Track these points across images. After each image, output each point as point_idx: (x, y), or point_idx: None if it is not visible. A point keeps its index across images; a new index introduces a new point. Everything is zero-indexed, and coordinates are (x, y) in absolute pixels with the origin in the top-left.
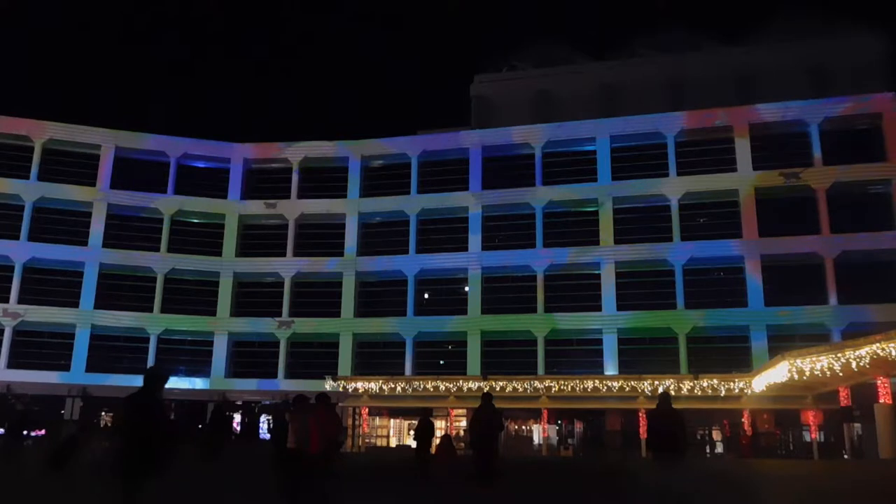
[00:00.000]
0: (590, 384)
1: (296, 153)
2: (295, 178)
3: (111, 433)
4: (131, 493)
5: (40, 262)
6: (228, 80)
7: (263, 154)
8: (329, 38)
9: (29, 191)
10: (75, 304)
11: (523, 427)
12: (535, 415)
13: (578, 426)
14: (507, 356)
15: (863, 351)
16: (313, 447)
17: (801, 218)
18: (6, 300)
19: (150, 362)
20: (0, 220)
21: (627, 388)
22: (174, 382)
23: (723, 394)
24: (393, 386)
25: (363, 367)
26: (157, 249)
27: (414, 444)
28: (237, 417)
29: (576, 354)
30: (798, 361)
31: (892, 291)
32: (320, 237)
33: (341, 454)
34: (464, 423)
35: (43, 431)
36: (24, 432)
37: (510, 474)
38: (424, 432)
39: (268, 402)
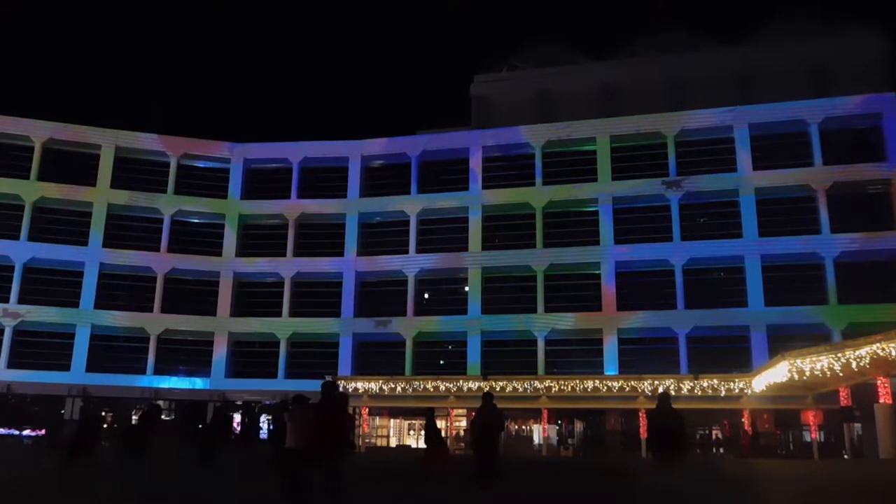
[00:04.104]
0: (590, 384)
1: (296, 153)
2: (295, 177)
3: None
4: (332, 472)
5: (40, 262)
6: (228, 80)
7: (263, 154)
8: (329, 38)
9: (29, 191)
10: (75, 304)
11: (523, 427)
12: (535, 415)
13: (578, 426)
14: (507, 356)
15: (863, 351)
16: (322, 445)
17: (801, 218)
18: (6, 300)
19: (151, 362)
20: (0, 220)
21: (627, 388)
22: (174, 383)
23: (723, 394)
24: (393, 386)
25: (363, 367)
26: (157, 249)
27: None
28: (237, 417)
29: (576, 354)
30: (798, 361)
31: (891, 291)
32: (320, 237)
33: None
34: (464, 423)
35: (43, 431)
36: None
37: (510, 474)
38: (430, 433)
39: (268, 402)
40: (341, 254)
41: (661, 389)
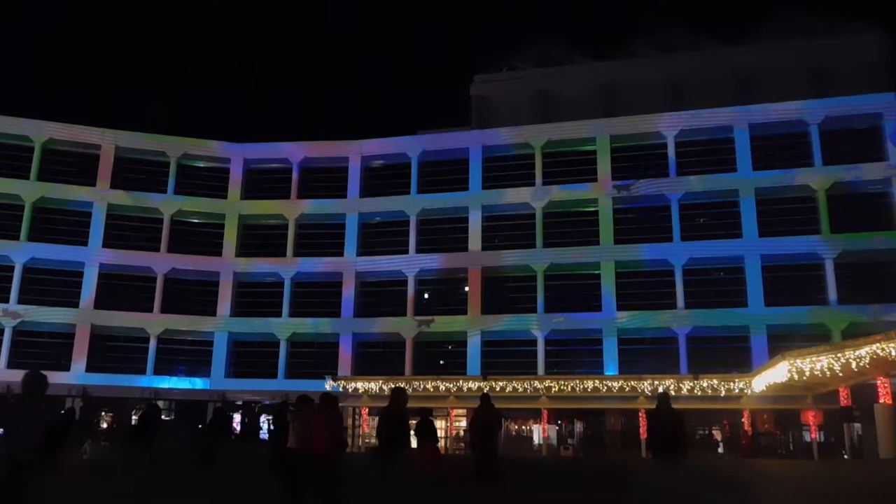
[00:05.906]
0: (590, 384)
1: (296, 153)
2: (295, 177)
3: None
4: (389, 463)
5: (40, 262)
6: (228, 80)
7: (263, 154)
8: (329, 38)
9: (29, 191)
10: (75, 304)
11: (523, 427)
12: (535, 415)
13: (578, 426)
14: (507, 356)
15: (863, 351)
16: (322, 446)
17: (801, 218)
18: (6, 300)
19: (151, 362)
20: (0, 220)
21: (627, 388)
22: (174, 383)
23: (723, 394)
24: (393, 386)
25: (363, 368)
26: (157, 249)
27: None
28: (237, 417)
29: (576, 354)
30: (798, 361)
31: (892, 291)
32: (320, 237)
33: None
34: (464, 423)
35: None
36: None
37: (510, 474)
38: (424, 431)
39: (268, 402)
40: (341, 254)
41: (660, 389)
